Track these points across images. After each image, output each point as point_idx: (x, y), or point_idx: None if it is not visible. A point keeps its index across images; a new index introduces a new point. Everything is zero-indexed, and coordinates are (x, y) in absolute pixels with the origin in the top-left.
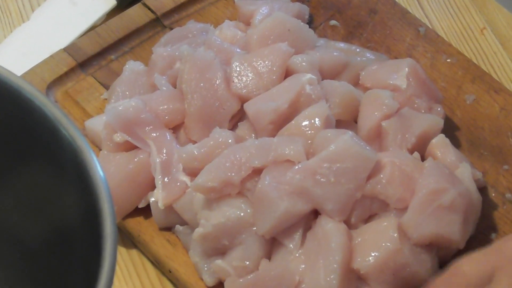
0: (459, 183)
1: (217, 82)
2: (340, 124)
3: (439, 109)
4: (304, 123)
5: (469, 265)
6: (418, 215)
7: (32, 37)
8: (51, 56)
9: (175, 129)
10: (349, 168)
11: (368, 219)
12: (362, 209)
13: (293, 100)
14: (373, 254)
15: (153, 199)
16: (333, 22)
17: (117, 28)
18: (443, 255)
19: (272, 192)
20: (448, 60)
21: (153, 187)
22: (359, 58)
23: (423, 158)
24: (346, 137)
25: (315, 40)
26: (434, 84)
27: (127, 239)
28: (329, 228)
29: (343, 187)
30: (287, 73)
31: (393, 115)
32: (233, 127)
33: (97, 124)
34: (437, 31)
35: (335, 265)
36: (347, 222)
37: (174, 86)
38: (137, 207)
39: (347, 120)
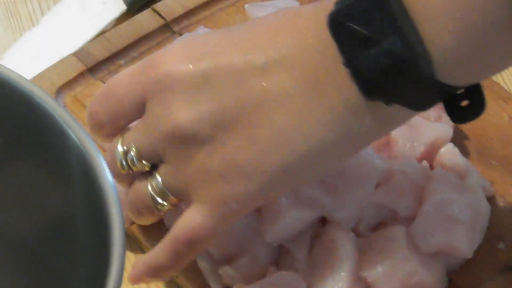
0: (467, 193)
1: None
2: None
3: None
4: None
5: (119, 81)
6: (426, 224)
7: (41, 42)
8: (61, 61)
9: None
10: (358, 177)
11: (376, 227)
12: (371, 217)
13: None
14: (381, 263)
15: None
16: None
17: (126, 34)
18: (451, 264)
19: (280, 199)
20: None
21: None
22: None
23: (431, 167)
24: None
25: None
26: None
27: (134, 244)
28: (337, 236)
29: (352, 195)
30: None
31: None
32: None
33: None
34: None
35: (342, 273)
36: (355, 230)
37: None
38: None
39: None
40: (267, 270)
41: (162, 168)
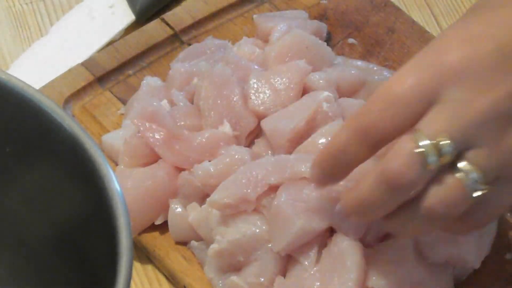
0: None
1: (235, 99)
2: None
3: None
4: (320, 141)
5: (401, 85)
6: (434, 234)
7: (50, 51)
8: (69, 70)
9: None
10: None
11: (384, 237)
12: (378, 228)
13: (310, 117)
14: (388, 273)
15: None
16: (351, 40)
17: (135, 43)
18: (458, 274)
19: (288, 209)
20: None
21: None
22: (376, 77)
23: None
24: None
25: (332, 58)
26: None
27: (142, 254)
28: (345, 246)
29: None
30: (305, 91)
31: None
32: (249, 144)
33: (114, 139)
34: None
35: (350, 283)
36: (362, 240)
37: (191, 102)
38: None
39: None
40: (274, 280)
41: (472, 153)
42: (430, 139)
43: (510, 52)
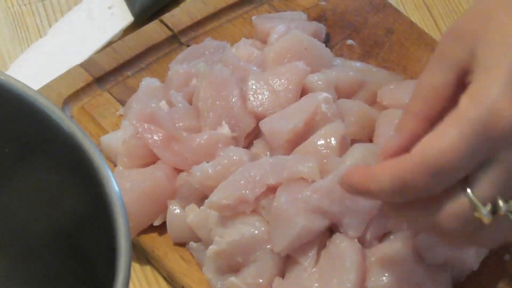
0: None
1: (233, 100)
2: (355, 143)
3: None
4: (319, 142)
5: (450, 154)
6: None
7: (49, 52)
8: (68, 71)
9: None
10: None
11: (383, 237)
12: (377, 227)
13: (308, 118)
14: (387, 274)
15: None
16: (349, 41)
17: (134, 44)
18: (457, 275)
19: (290, 209)
20: None
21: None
22: (375, 78)
23: None
24: None
25: (331, 59)
26: None
27: (140, 255)
28: (344, 247)
29: (360, 205)
30: (303, 92)
31: None
32: (248, 145)
33: (112, 140)
34: None
35: (348, 284)
36: (361, 240)
37: (190, 103)
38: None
39: (362, 139)
40: (272, 281)
41: None
42: (487, 201)
43: None
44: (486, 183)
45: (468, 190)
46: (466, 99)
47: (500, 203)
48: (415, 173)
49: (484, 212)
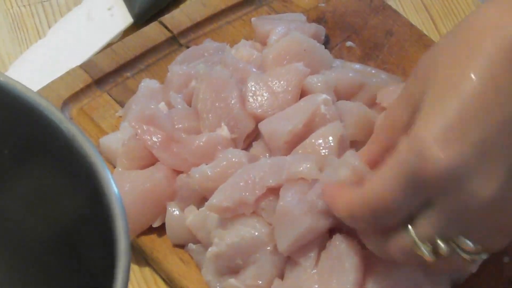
0: None
1: (233, 102)
2: (354, 144)
3: None
4: (318, 142)
5: (388, 199)
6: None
7: (48, 54)
8: (67, 73)
9: None
10: None
11: None
12: None
13: (308, 120)
14: (386, 275)
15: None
16: (349, 43)
17: (133, 46)
18: (456, 278)
19: (295, 209)
20: None
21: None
22: (374, 80)
23: None
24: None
25: (331, 61)
26: None
27: (140, 256)
28: (344, 248)
29: None
30: (303, 93)
31: None
32: (247, 146)
33: (112, 141)
34: None
35: (348, 286)
36: (361, 242)
37: (189, 105)
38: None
39: (361, 141)
40: (272, 282)
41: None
42: (426, 240)
43: (487, 147)
44: (426, 223)
45: (410, 228)
46: (404, 141)
47: (441, 244)
48: (360, 209)
49: (424, 250)
